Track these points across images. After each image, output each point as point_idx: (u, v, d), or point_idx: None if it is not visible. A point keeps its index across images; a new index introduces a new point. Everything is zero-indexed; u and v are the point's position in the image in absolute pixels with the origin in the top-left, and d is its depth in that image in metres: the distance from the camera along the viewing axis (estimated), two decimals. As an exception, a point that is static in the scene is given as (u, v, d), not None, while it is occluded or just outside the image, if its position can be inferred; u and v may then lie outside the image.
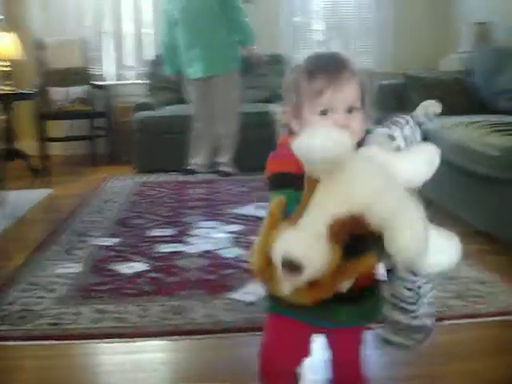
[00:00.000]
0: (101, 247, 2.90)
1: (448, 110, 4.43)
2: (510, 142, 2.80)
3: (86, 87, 5.39)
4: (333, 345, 1.36)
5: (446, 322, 2.05)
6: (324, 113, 1.14)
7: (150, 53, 5.77)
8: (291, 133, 1.21)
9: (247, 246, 2.87)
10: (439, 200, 3.59)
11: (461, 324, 2.06)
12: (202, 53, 4.46)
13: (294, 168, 1.07)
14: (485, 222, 3.04)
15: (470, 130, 3.24)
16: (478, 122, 3.38)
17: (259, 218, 3.33)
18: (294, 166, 1.04)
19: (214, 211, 3.57)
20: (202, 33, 4.44)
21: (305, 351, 1.31)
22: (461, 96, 4.29)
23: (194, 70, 4.55)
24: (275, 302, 1.17)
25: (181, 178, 4.63)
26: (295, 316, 1.21)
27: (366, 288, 1.21)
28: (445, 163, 3.69)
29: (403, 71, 4.51)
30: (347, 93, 1.14)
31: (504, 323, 2.07)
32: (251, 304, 2.16)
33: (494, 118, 3.57)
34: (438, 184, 3.58)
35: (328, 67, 1.15)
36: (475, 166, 3.04)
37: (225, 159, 4.70)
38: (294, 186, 1.08)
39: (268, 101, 5.29)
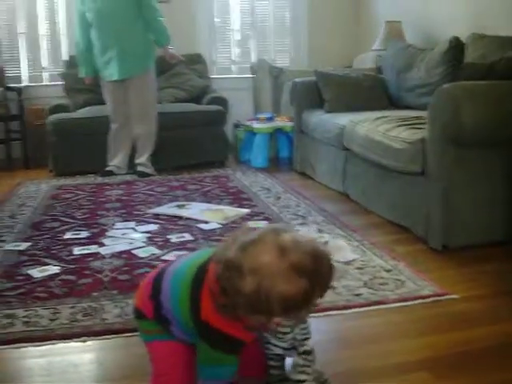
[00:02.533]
0: (13, 252, 2.84)
1: (358, 106, 4.63)
2: (414, 136, 2.92)
3: (-1, 90, 5.25)
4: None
5: (355, 310, 2.14)
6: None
7: (65, 54, 5.66)
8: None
9: (162, 244, 2.89)
10: (353, 194, 3.71)
11: (369, 311, 2.15)
12: (118, 55, 4.43)
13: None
14: (392, 213, 3.17)
15: (376, 125, 3.36)
16: (385, 116, 3.51)
17: (176, 217, 3.35)
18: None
19: (130, 212, 3.55)
20: (116, 35, 4.40)
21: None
22: (371, 92, 4.43)
23: (110, 73, 4.51)
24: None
25: (99, 179, 4.58)
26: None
27: None
28: (356, 158, 3.84)
29: (317, 69, 4.61)
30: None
31: (406, 308, 2.17)
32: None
33: (402, 113, 3.72)
34: (351, 178, 3.70)
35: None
36: (382, 160, 3.16)
37: (143, 160, 4.67)
38: None
39: (187, 100, 5.30)
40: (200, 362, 1.39)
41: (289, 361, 1.59)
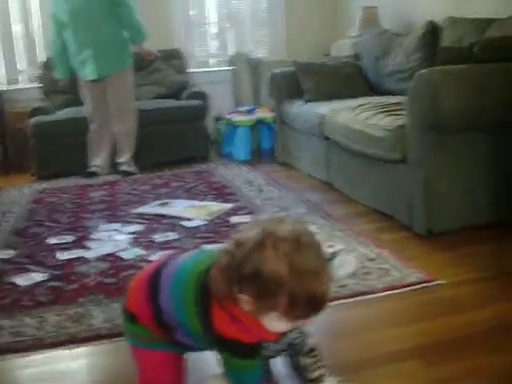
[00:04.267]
0: (-3, 261, 2.82)
1: (338, 94, 4.62)
2: (394, 123, 2.92)
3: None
4: None
5: (343, 301, 2.14)
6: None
7: (41, 55, 5.60)
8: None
9: (147, 244, 2.87)
10: (337, 183, 3.71)
11: (357, 301, 2.15)
12: (94, 54, 4.38)
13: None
14: (376, 201, 3.17)
15: (356, 113, 3.36)
16: (364, 104, 3.51)
17: (160, 216, 3.34)
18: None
19: (115, 213, 3.53)
20: (92, 33, 4.35)
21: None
22: (349, 80, 4.42)
23: (87, 72, 4.46)
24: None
25: (82, 181, 4.54)
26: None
27: None
28: (338, 147, 3.83)
29: (295, 59, 4.60)
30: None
31: (394, 296, 2.17)
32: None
33: (381, 100, 3.71)
34: (335, 167, 3.70)
35: None
36: (364, 148, 3.16)
37: (125, 158, 4.64)
38: None
39: (166, 96, 5.27)
40: (225, 369, 1.36)
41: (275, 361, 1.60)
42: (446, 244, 2.66)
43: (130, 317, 1.45)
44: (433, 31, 3.80)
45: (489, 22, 3.54)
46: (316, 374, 1.54)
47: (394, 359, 1.74)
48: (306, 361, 1.55)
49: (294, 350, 1.55)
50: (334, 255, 2.42)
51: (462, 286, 2.22)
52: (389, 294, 2.19)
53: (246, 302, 1.21)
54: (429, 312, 2.05)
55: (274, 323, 1.24)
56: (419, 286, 2.23)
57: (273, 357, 1.54)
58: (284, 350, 1.54)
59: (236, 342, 1.28)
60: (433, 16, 4.03)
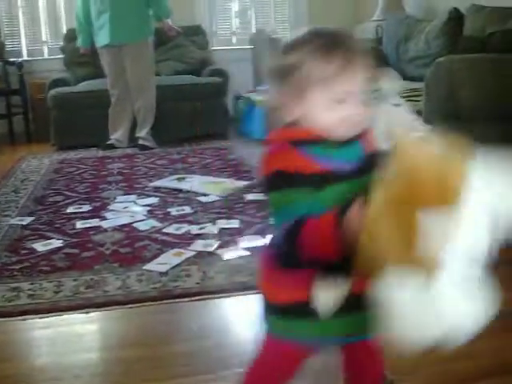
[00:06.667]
0: (16, 226, 2.90)
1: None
2: (414, 108, 2.94)
3: (-2, 64, 5.27)
4: (357, 362, 1.20)
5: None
6: (340, 101, 0.96)
7: (65, 27, 5.65)
8: (287, 124, 1.02)
9: (162, 217, 2.94)
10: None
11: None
12: (111, 19, 4.42)
13: (301, 167, 0.95)
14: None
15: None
16: (383, 89, 3.52)
17: (176, 190, 3.40)
18: (300, 164, 0.95)
19: (131, 185, 3.60)
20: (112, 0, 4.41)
21: (292, 376, 1.15)
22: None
23: (102, 38, 4.51)
24: (282, 323, 1.08)
25: (100, 153, 4.61)
26: (300, 339, 1.08)
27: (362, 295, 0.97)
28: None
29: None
30: (362, 76, 0.98)
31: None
32: (163, 274, 2.24)
33: (401, 84, 3.73)
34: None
35: (347, 46, 0.97)
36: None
37: (143, 133, 4.70)
38: (313, 184, 0.94)
39: (186, 72, 5.30)
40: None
41: None
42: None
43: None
44: (456, 19, 3.80)
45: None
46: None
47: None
48: None
49: None
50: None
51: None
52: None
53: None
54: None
55: (328, 111, 0.97)
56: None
57: None
58: None
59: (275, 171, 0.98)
60: (456, 3, 4.02)
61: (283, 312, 1.07)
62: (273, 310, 1.09)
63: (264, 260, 1.12)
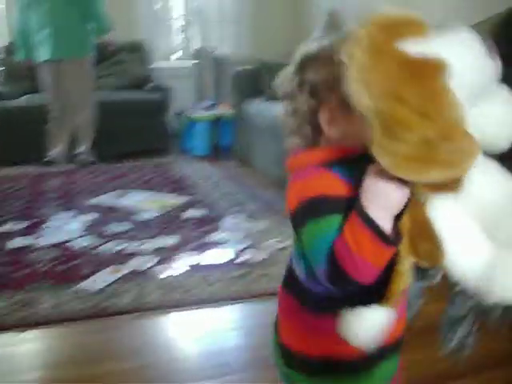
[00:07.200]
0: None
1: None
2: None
3: None
4: None
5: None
6: None
7: (4, 40, 5.54)
8: (314, 144, 0.93)
9: (100, 234, 2.91)
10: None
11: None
12: (52, 34, 4.37)
13: (341, 190, 0.84)
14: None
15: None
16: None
17: (116, 206, 3.38)
18: (340, 187, 0.84)
19: (70, 202, 3.55)
20: (53, 14, 4.36)
21: None
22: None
23: (43, 53, 4.46)
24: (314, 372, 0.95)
25: (38, 170, 4.53)
26: None
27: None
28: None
29: (260, 57, 4.67)
30: None
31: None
32: (99, 292, 2.22)
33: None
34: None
35: None
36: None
37: (83, 149, 4.65)
38: (343, 211, 0.82)
39: (127, 88, 5.28)
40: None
41: None
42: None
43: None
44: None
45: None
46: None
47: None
48: None
49: None
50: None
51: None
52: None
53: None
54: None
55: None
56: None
57: None
58: None
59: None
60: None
61: (315, 370, 0.93)
62: (299, 367, 0.96)
63: (286, 304, 0.99)
